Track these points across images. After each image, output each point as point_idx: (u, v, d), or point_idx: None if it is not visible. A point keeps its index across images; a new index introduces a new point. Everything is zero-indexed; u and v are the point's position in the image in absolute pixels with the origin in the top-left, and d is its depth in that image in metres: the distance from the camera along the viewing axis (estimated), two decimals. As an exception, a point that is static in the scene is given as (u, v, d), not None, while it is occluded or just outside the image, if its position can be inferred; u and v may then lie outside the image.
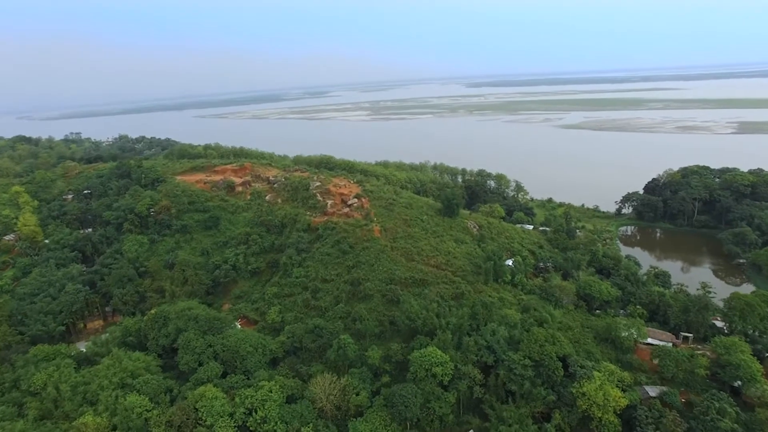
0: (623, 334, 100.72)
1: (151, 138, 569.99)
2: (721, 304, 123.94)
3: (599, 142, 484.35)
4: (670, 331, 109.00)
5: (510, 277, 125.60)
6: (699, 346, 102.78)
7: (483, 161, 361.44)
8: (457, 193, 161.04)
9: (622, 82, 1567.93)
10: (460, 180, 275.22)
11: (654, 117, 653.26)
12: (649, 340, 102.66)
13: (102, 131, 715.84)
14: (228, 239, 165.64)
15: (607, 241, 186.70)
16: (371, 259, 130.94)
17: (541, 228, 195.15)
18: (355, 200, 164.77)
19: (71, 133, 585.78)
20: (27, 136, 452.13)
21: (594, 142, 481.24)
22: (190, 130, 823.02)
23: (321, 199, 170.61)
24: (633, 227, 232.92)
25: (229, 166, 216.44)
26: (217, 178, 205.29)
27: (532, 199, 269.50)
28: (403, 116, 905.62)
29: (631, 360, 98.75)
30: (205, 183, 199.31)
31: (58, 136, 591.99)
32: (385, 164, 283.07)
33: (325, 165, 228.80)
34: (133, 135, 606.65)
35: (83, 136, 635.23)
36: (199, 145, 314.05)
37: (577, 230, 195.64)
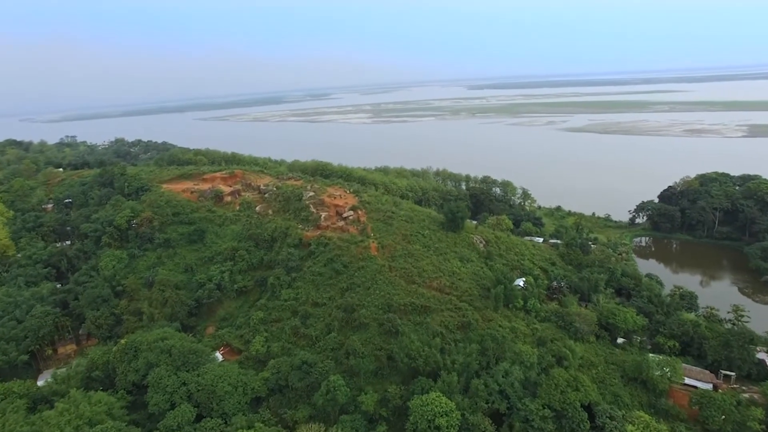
0: (656, 374, 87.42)
1: (148, 141, 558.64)
2: (753, 327, 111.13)
3: (606, 146, 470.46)
4: (706, 368, 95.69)
5: (522, 302, 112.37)
6: (744, 387, 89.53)
7: (487, 165, 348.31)
8: (462, 206, 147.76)
9: (623, 85, 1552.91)
10: (464, 187, 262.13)
11: (660, 120, 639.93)
12: (686, 381, 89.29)
13: (102, 134, 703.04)
14: (214, 254, 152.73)
15: (624, 255, 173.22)
16: (367, 281, 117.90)
17: (551, 241, 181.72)
18: (351, 212, 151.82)
19: (66, 136, 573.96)
20: (18, 140, 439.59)
21: (600, 146, 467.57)
22: (188, 134, 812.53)
23: (314, 210, 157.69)
24: (648, 238, 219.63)
25: (218, 174, 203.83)
26: (206, 186, 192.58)
27: (539, 207, 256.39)
28: (404, 119, 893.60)
29: (666, 406, 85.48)
30: (192, 192, 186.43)
31: (58, 140, 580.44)
32: (385, 170, 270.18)
33: (321, 172, 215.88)
34: (130, 138, 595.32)
35: (82, 139, 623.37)
36: (191, 150, 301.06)
37: (590, 243, 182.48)
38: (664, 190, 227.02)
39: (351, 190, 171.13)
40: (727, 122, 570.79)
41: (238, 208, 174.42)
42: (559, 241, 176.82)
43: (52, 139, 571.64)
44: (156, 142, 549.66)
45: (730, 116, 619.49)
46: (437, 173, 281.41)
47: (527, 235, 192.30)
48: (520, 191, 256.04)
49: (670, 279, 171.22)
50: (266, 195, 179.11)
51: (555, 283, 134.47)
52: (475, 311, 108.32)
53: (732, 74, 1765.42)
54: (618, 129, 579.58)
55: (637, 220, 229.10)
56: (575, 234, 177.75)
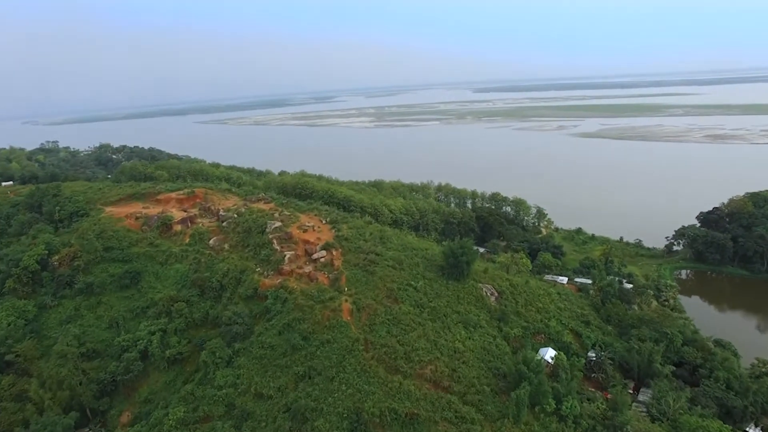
0: None
1: (133, 147, 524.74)
2: None
3: (623, 153, 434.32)
4: None
5: (554, 405, 76.86)
6: None
7: (495, 176, 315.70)
8: (467, 245, 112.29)
9: (631, 87, 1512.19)
10: (469, 205, 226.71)
11: (677, 124, 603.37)
12: None
13: (100, 137, 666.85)
14: (149, 304, 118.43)
15: (670, 301, 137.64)
16: (332, 365, 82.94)
17: (577, 280, 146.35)
18: (324, 253, 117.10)
19: (47, 141, 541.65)
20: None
21: (618, 154, 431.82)
22: (182, 138, 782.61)
23: (278, 248, 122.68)
24: (689, 271, 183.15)
25: (174, 194, 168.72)
26: (157, 210, 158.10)
27: (556, 230, 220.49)
28: (407, 123, 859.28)
29: None
30: (137, 218, 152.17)
31: (38, 145, 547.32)
32: (378, 185, 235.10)
33: (299, 192, 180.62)
34: (123, 143, 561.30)
35: (69, 144, 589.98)
36: (151, 163, 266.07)
37: (624, 280, 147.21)
38: (709, 212, 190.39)
39: (327, 220, 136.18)
40: (749, 127, 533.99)
41: (188, 240, 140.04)
42: (587, 281, 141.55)
43: (27, 146, 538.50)
44: (142, 148, 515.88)
45: (751, 120, 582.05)
46: (439, 188, 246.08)
47: (546, 269, 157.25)
48: (534, 210, 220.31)
49: (724, 327, 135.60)
50: (224, 224, 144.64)
51: (594, 356, 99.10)
52: (485, 422, 73.06)
53: (744, 77, 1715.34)
54: (633, 134, 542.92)
55: (675, 247, 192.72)
56: (607, 275, 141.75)
